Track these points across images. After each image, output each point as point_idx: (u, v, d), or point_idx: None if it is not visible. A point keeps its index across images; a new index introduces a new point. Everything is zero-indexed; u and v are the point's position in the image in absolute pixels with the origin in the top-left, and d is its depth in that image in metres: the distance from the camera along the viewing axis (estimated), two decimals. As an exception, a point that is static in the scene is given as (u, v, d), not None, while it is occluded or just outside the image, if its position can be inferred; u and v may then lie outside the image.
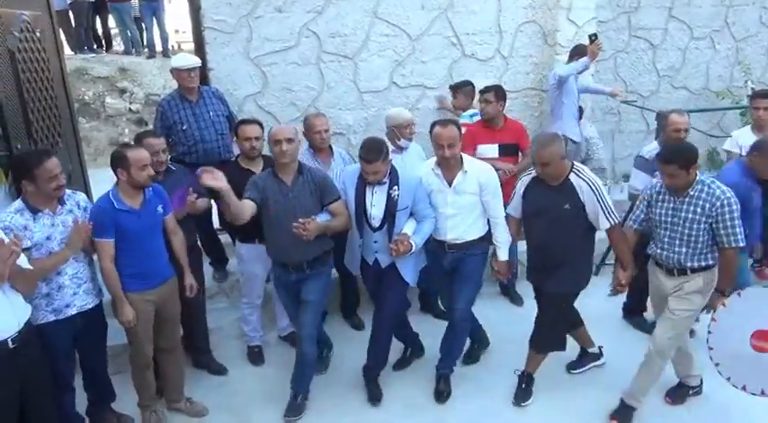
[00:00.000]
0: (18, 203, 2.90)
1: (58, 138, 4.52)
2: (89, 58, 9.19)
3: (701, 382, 3.60)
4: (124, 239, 3.11)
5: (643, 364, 3.35)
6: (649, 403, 3.49)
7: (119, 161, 3.07)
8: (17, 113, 3.88)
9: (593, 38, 4.84)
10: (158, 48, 9.78)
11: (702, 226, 3.04)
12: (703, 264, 3.14)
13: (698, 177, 3.06)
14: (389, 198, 3.36)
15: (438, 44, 5.46)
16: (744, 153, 4.38)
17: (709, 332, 3.08)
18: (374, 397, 3.68)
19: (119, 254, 3.13)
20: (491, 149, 4.41)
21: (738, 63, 6.81)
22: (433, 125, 3.41)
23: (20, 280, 2.65)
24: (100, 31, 10.18)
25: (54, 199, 2.95)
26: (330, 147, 4.16)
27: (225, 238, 4.61)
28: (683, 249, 3.12)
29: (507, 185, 3.83)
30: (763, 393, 3.07)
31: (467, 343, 3.92)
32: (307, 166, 3.46)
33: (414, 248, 3.32)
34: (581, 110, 5.42)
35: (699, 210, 3.03)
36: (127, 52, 9.96)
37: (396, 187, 3.36)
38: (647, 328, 4.08)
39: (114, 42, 10.63)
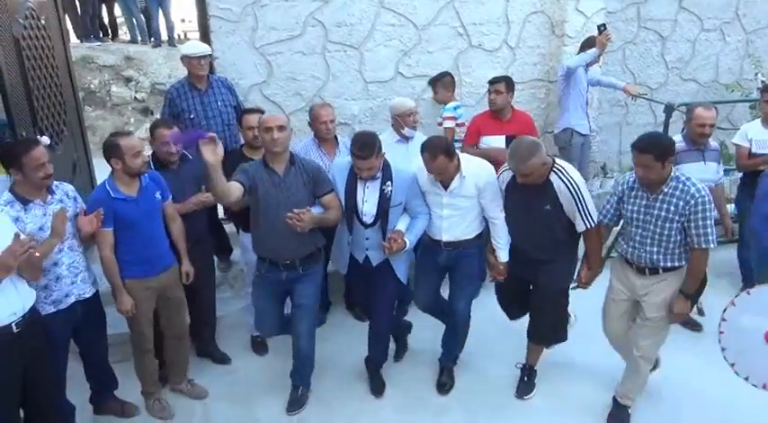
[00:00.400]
0: (7, 195, 2.86)
1: (64, 126, 4.52)
2: (95, 47, 9.16)
3: (657, 360, 3.54)
4: (123, 228, 3.12)
5: (630, 369, 3.32)
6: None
7: (112, 150, 3.08)
8: (22, 101, 3.87)
9: (601, 28, 4.78)
10: (164, 37, 9.75)
11: (675, 225, 2.91)
12: (677, 264, 3.03)
13: (672, 174, 2.91)
14: (382, 194, 3.24)
15: (444, 34, 5.41)
16: (754, 147, 4.36)
17: (720, 332, 3.02)
18: (377, 388, 3.69)
19: (118, 242, 3.14)
20: (498, 140, 4.41)
21: (749, 55, 6.73)
22: (423, 147, 3.18)
23: (26, 268, 2.67)
24: (106, 20, 10.15)
25: (42, 188, 2.92)
26: (335, 137, 4.14)
27: (229, 228, 4.61)
28: (655, 248, 3.00)
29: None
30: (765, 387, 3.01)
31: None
32: (298, 156, 3.33)
33: (408, 246, 3.26)
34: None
35: (672, 208, 2.89)
36: (133, 41, 9.93)
37: (389, 183, 3.24)
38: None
39: (120, 31, 10.60)
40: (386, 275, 3.42)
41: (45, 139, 3.98)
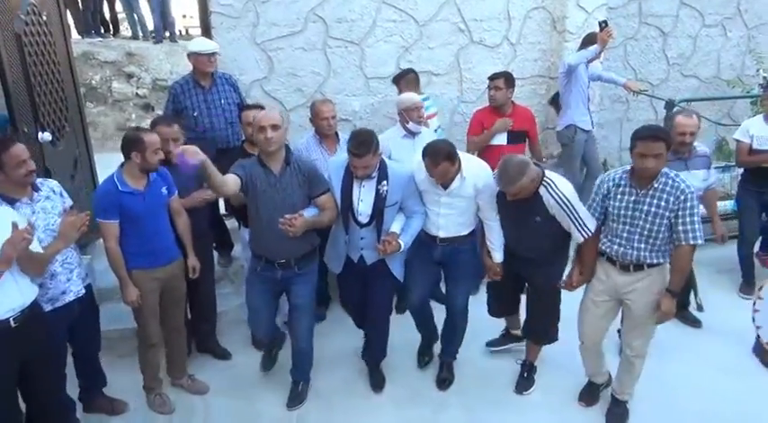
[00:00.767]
0: None
1: (65, 122, 4.53)
2: (96, 43, 9.16)
3: (610, 377, 3.54)
4: (129, 220, 3.13)
5: (623, 368, 3.33)
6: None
7: (135, 144, 3.09)
8: (24, 97, 3.88)
9: (603, 25, 4.77)
10: (165, 33, 9.74)
11: (665, 221, 2.88)
12: (661, 260, 3.01)
13: (662, 170, 2.88)
14: (378, 194, 3.20)
15: (445, 30, 5.41)
16: (755, 144, 4.35)
17: (755, 311, 2.97)
18: (377, 384, 3.70)
19: (124, 234, 3.16)
20: (500, 136, 4.41)
21: (750, 51, 6.71)
22: (424, 152, 3.13)
23: (29, 264, 2.67)
24: (107, 16, 10.14)
25: (26, 186, 2.87)
26: (336, 133, 4.14)
27: (230, 223, 4.62)
28: (642, 245, 2.96)
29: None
30: None
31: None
32: (294, 155, 3.25)
33: (402, 248, 3.24)
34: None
35: (663, 203, 2.86)
36: (134, 37, 9.93)
37: (385, 182, 3.19)
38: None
39: (121, 27, 10.59)
40: (381, 274, 3.39)
41: (47, 135, 4.00)
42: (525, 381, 3.66)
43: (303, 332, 3.45)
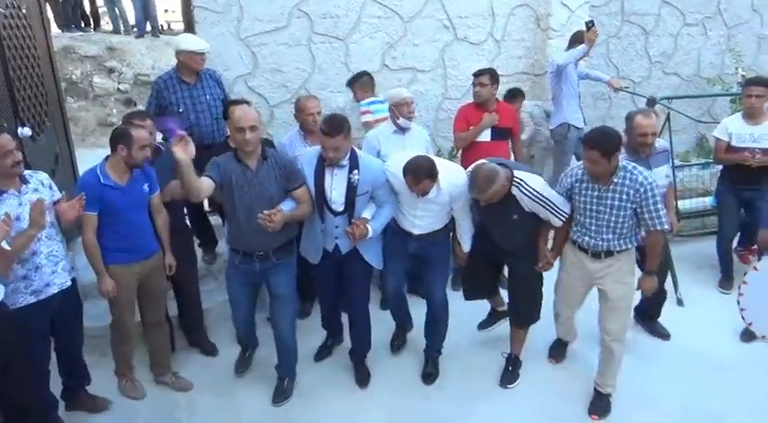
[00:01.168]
0: None
1: (45, 117, 4.47)
2: (76, 37, 9.03)
3: (575, 336, 3.83)
4: (108, 214, 3.14)
5: (605, 355, 3.41)
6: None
7: (122, 138, 3.09)
8: (3, 92, 3.82)
9: (590, 25, 4.85)
10: (147, 27, 9.64)
11: (628, 212, 3.06)
12: (629, 246, 3.21)
13: (620, 164, 3.04)
14: (350, 182, 3.26)
15: (430, 27, 5.42)
16: (733, 141, 4.42)
17: (740, 294, 3.07)
18: (362, 379, 3.71)
19: (104, 228, 3.16)
20: (483, 133, 4.43)
21: (730, 50, 6.82)
22: (405, 170, 3.18)
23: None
24: (87, 9, 10.01)
25: (14, 176, 2.85)
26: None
27: (215, 219, 4.60)
28: (610, 235, 3.15)
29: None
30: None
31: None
32: (270, 150, 3.28)
33: (370, 233, 3.28)
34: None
35: (624, 196, 3.03)
36: (115, 31, 9.81)
37: (356, 171, 3.26)
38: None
39: (102, 21, 10.46)
40: (357, 263, 3.46)
41: (26, 131, 3.94)
42: (510, 374, 3.70)
43: (285, 323, 3.46)
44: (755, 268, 3.02)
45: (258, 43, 5.02)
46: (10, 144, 2.77)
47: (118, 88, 8.88)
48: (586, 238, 3.22)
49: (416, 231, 3.46)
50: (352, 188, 3.27)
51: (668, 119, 4.97)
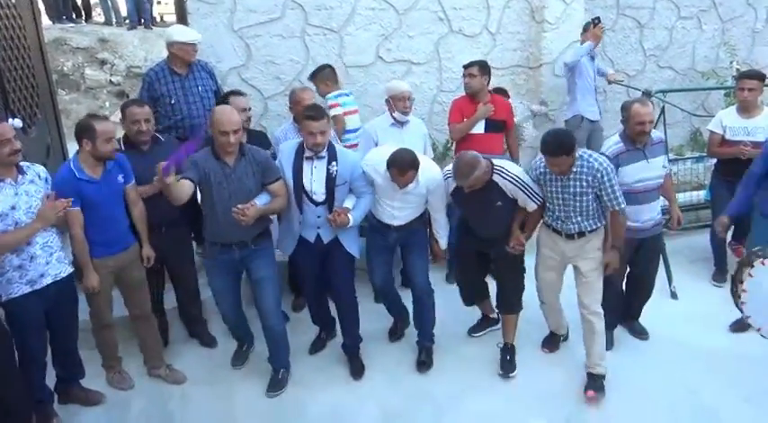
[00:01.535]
0: None
1: (36, 109, 4.43)
2: (68, 29, 8.96)
3: (568, 331, 3.97)
4: (85, 208, 3.15)
5: (586, 332, 3.54)
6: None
7: (85, 131, 3.08)
8: (-7, 83, 3.79)
9: (596, 21, 4.90)
10: (140, 19, 9.57)
11: (591, 196, 3.31)
12: (599, 224, 3.44)
13: (576, 154, 3.22)
14: (329, 173, 3.35)
15: (425, 19, 5.39)
16: (727, 134, 4.42)
17: (742, 303, 3.06)
18: (356, 371, 3.71)
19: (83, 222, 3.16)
20: (477, 125, 4.40)
21: (724, 44, 6.83)
22: (389, 163, 3.29)
23: None
24: (79, 1, 9.92)
25: (11, 165, 2.87)
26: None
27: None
28: (580, 218, 3.39)
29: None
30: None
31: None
32: (247, 146, 3.35)
33: (351, 222, 3.36)
34: None
35: (584, 183, 3.27)
36: (107, 23, 9.73)
37: (334, 163, 3.35)
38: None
39: (94, 12, 10.37)
40: (338, 252, 3.53)
41: (17, 122, 3.90)
42: (509, 363, 3.74)
43: (270, 306, 3.46)
44: (751, 275, 2.98)
45: (252, 35, 4.98)
46: (8, 133, 2.79)
47: (110, 80, 8.82)
48: (560, 223, 3.46)
49: (396, 222, 3.58)
50: (331, 179, 3.36)
51: (663, 112, 4.96)
